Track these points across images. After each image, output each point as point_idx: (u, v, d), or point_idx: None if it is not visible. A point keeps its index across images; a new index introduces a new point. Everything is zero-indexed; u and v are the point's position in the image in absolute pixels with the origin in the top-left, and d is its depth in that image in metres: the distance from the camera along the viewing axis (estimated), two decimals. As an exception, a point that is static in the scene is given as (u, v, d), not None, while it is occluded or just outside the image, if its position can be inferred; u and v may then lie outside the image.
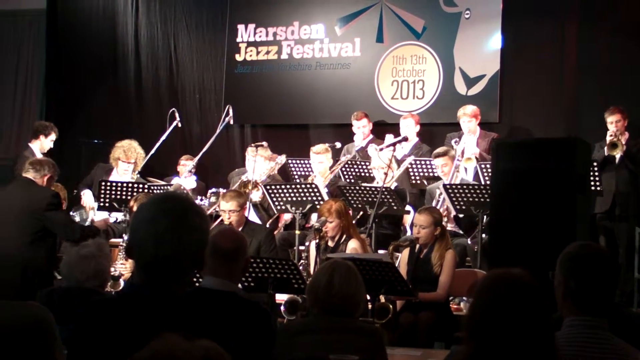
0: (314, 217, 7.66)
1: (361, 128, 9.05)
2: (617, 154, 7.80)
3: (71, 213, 8.31)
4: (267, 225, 7.79)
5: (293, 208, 7.51)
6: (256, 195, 8.14)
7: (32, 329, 1.87)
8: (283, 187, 7.67)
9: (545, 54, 9.28)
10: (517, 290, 2.32)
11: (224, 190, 7.91)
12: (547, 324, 2.31)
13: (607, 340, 2.72)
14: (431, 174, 8.25)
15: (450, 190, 7.25)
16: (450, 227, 7.58)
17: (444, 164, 7.89)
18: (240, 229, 6.56)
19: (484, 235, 7.09)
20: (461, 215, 7.60)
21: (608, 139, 7.80)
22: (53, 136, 8.85)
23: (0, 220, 6.58)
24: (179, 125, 9.47)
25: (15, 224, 6.54)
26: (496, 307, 2.30)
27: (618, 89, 8.78)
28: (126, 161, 8.62)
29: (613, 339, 2.74)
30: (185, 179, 8.78)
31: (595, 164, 7.27)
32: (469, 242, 7.45)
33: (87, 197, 8.64)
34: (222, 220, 6.85)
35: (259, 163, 8.44)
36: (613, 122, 7.89)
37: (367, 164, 8.28)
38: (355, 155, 8.82)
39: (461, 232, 7.72)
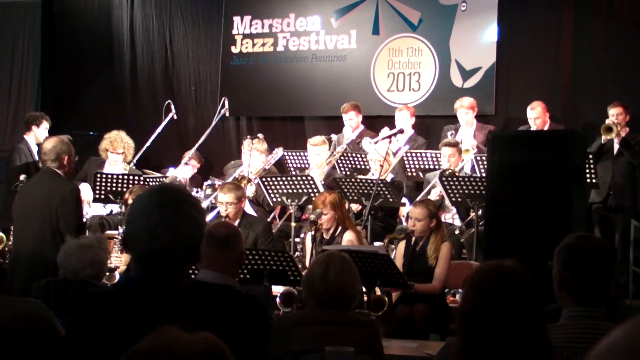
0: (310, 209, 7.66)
1: (348, 121, 9.02)
2: (612, 138, 7.79)
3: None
4: (268, 220, 7.77)
5: (289, 200, 7.50)
6: (249, 191, 8.12)
7: (28, 326, 1.86)
8: (279, 179, 7.66)
9: (541, 46, 9.27)
10: (509, 282, 2.32)
11: (220, 182, 7.90)
12: (538, 316, 2.31)
13: (605, 330, 2.71)
14: (427, 166, 8.25)
15: (445, 182, 7.25)
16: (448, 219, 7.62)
17: (451, 154, 7.88)
18: (237, 222, 6.55)
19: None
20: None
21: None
22: (45, 124, 8.78)
23: (24, 215, 6.50)
24: (175, 117, 9.43)
25: (37, 218, 6.46)
26: (488, 299, 2.29)
27: (615, 80, 8.78)
28: (114, 151, 8.55)
29: (611, 327, 2.72)
30: (181, 169, 8.76)
31: (590, 156, 7.27)
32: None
33: (84, 190, 8.58)
34: (219, 212, 6.83)
35: (255, 156, 8.43)
36: (614, 115, 7.90)
37: (363, 156, 8.27)
38: (345, 148, 8.80)
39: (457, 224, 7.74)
